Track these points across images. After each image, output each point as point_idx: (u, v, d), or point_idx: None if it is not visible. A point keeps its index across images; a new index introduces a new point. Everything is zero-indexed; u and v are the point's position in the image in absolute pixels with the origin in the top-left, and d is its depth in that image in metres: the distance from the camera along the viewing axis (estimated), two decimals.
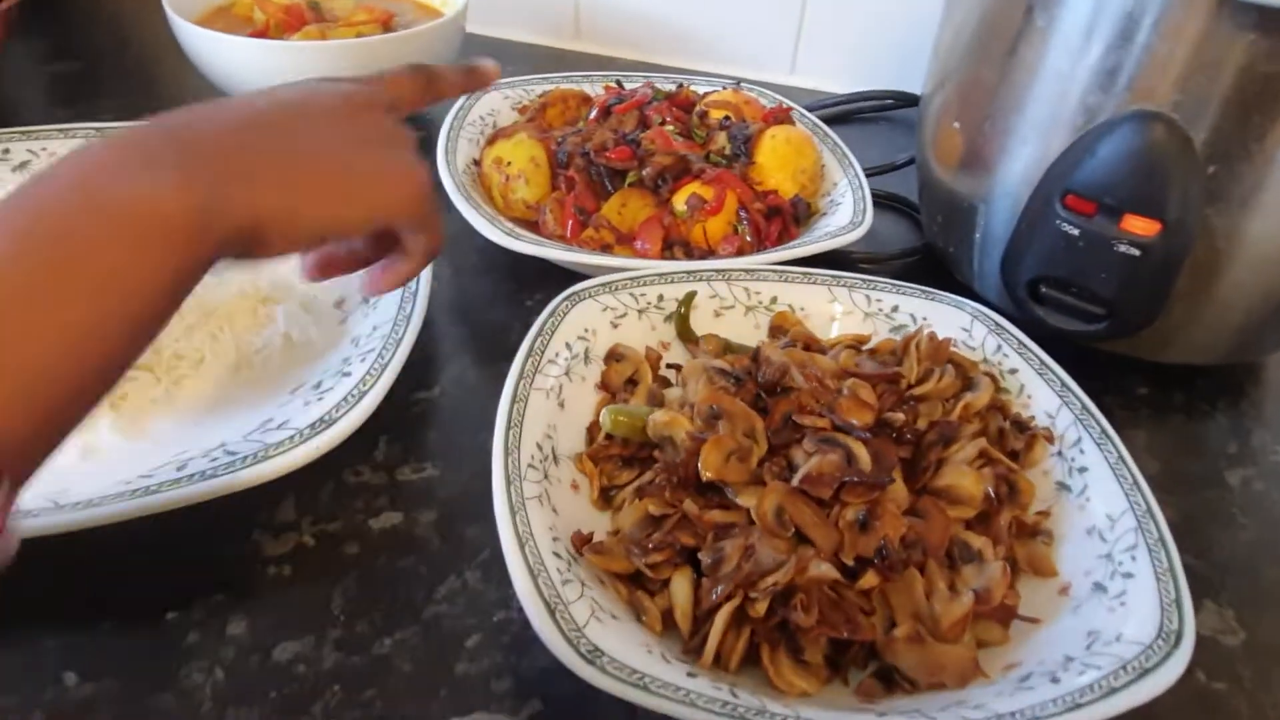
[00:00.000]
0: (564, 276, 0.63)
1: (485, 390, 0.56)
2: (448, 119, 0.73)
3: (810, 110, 0.82)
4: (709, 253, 0.65)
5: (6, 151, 0.69)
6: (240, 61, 0.76)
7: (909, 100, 0.94)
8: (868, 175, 0.73)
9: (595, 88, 0.83)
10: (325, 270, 0.45)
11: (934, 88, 0.66)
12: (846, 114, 0.94)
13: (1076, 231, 0.53)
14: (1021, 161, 0.57)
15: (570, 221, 0.64)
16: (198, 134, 0.36)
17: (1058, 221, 0.54)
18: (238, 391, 0.55)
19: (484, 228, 0.61)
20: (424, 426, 0.54)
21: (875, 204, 0.69)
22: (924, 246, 0.72)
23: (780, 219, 0.67)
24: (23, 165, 0.69)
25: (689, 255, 0.64)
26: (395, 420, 0.53)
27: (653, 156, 0.67)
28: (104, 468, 0.49)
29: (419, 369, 0.57)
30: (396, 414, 0.54)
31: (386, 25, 0.84)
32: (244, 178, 0.35)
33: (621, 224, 0.65)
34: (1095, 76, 0.52)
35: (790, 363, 0.48)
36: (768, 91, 0.83)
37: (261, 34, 0.81)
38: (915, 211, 0.77)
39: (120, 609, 0.44)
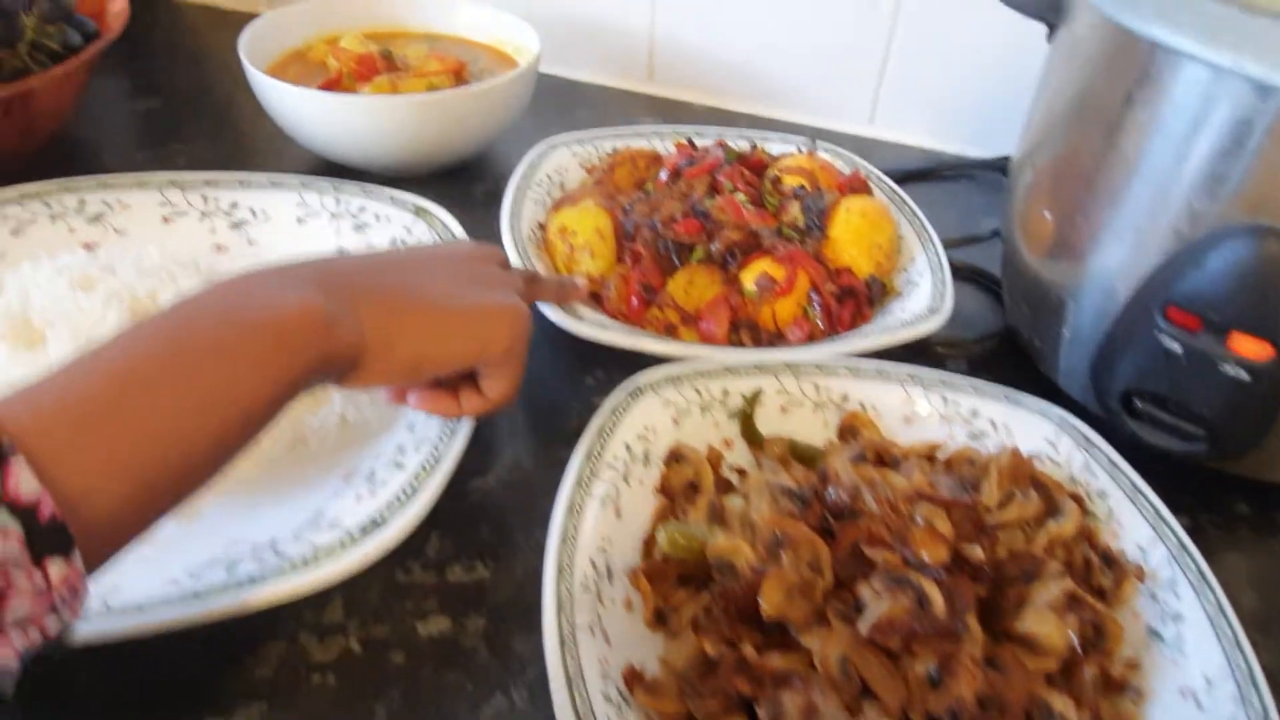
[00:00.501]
0: (627, 353, 0.61)
1: (541, 480, 0.54)
2: (514, 178, 0.72)
3: (889, 174, 0.79)
4: (777, 336, 0.62)
5: (82, 203, 0.70)
6: (309, 113, 0.76)
7: (995, 167, 0.90)
8: (948, 246, 0.70)
9: (665, 144, 0.81)
10: (404, 396, 0.49)
11: (1023, 162, 0.63)
12: (927, 172, 0.91)
13: (1178, 347, 0.49)
14: (1117, 261, 0.53)
15: (634, 299, 0.62)
16: (330, 268, 0.42)
17: (1156, 333, 0.50)
18: (291, 471, 0.54)
19: (544, 304, 0.59)
20: (477, 519, 0.53)
21: (954, 276, 0.66)
22: (1006, 330, 0.68)
23: (854, 301, 0.64)
24: (97, 217, 0.69)
25: (756, 339, 0.61)
26: (448, 512, 0.52)
27: (722, 231, 0.65)
28: (155, 553, 0.49)
29: (474, 454, 0.55)
30: (450, 504, 0.52)
31: (459, 75, 0.83)
32: (357, 304, 0.40)
33: (687, 303, 0.62)
34: (1202, 181, 0.48)
35: (860, 483, 0.46)
36: (843, 153, 0.80)
37: (334, 83, 0.81)
38: (997, 286, 0.73)
39: (163, 713, 0.43)
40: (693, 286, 0.63)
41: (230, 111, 0.94)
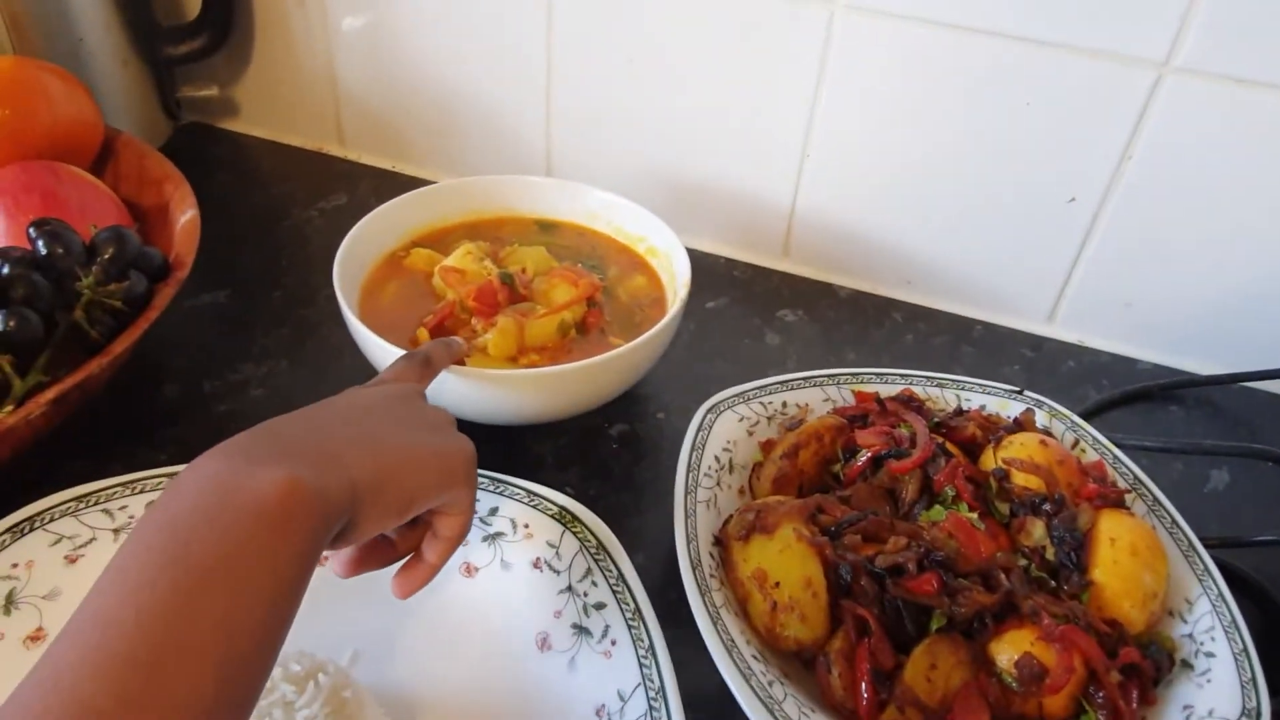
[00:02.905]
0: None
1: None
2: (680, 469, 0.58)
3: (1088, 416, 0.66)
4: None
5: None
6: None
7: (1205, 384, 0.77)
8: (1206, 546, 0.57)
9: (842, 392, 0.67)
10: (360, 565, 0.48)
11: None
12: (1131, 396, 0.77)
13: None
14: None
15: (865, 690, 0.49)
16: (288, 433, 0.42)
17: None
18: None
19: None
20: None
21: None
22: None
23: (1138, 682, 0.50)
24: None
25: None
26: None
27: (967, 591, 0.51)
28: None
29: None
30: None
31: (591, 298, 0.69)
32: (336, 461, 0.40)
33: (931, 695, 0.49)
34: None
35: None
36: (1059, 409, 0.66)
37: (448, 315, 0.67)
38: (1272, 603, 0.60)
39: None
40: (936, 672, 0.49)
41: (309, 306, 0.80)
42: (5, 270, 0.54)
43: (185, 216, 0.68)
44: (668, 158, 0.87)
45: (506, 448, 0.67)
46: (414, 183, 0.95)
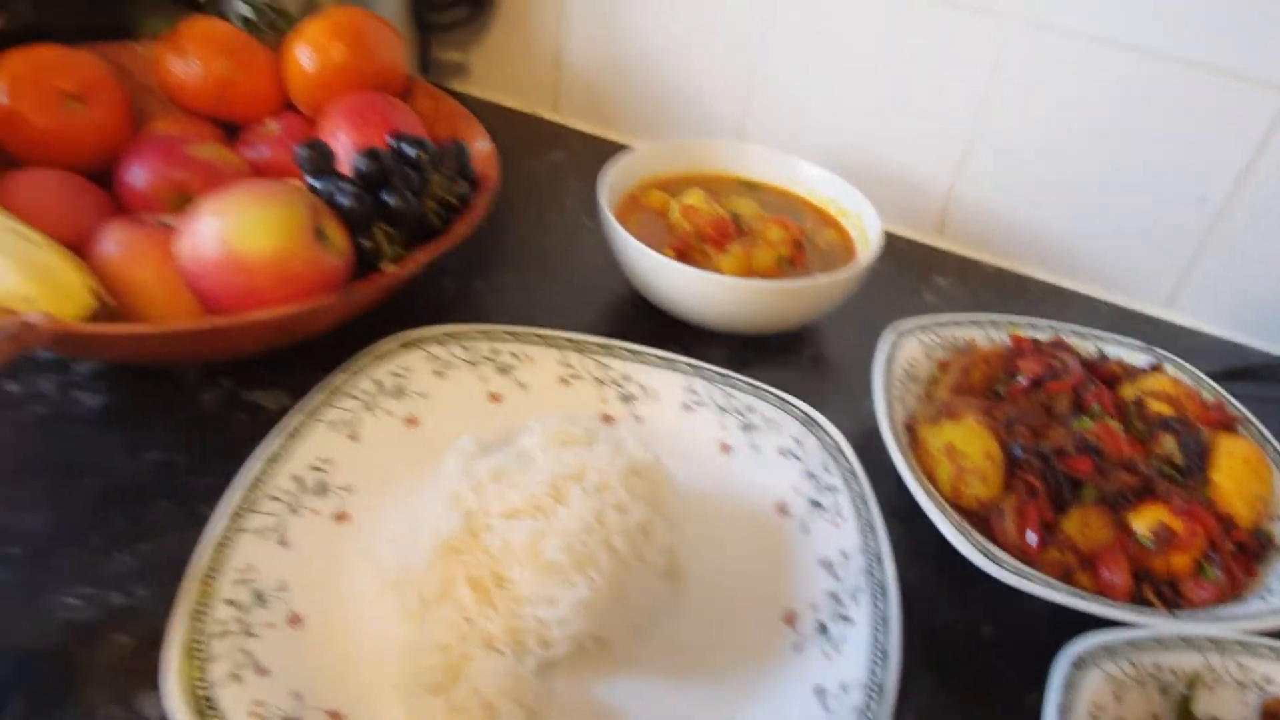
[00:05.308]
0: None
1: None
2: (876, 372, 0.73)
3: (1219, 377, 0.79)
4: (1174, 589, 0.63)
5: (495, 352, 0.72)
6: (674, 282, 0.78)
7: None
8: None
9: (999, 333, 0.82)
10: None
11: None
12: (1238, 371, 0.90)
13: None
14: None
15: (1034, 535, 0.63)
16: None
17: None
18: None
19: (968, 549, 0.60)
20: None
21: None
22: None
23: (1244, 557, 0.64)
24: (507, 369, 0.72)
25: (1162, 597, 0.62)
26: None
27: (1114, 471, 0.65)
28: None
29: None
30: None
31: (798, 241, 0.85)
32: None
33: (1084, 545, 0.63)
34: None
35: None
36: (1185, 365, 0.80)
37: (685, 243, 0.83)
38: None
39: None
40: (1088, 529, 0.64)
41: (547, 234, 0.97)
42: (388, 162, 0.71)
43: (484, 145, 0.85)
44: (845, 140, 1.03)
45: (731, 354, 0.83)
46: (617, 147, 1.13)
